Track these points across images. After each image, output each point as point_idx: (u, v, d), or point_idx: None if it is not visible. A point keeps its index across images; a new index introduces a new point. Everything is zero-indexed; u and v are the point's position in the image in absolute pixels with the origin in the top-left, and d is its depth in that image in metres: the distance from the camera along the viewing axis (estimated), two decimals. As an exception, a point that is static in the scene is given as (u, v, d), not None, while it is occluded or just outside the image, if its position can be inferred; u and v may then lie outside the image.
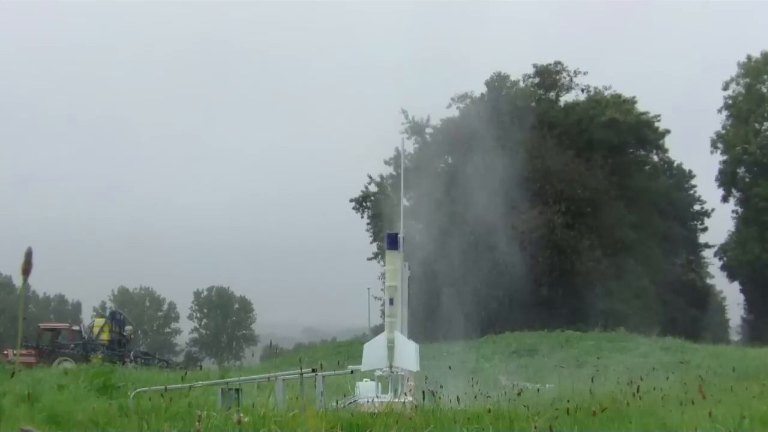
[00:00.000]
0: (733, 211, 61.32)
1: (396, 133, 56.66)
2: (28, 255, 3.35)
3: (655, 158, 59.62)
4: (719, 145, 60.43)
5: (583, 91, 56.95)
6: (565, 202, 47.37)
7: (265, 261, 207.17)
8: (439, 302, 47.92)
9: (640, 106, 55.41)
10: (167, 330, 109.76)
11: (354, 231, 64.55)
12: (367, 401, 10.76)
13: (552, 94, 57.68)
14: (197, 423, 5.64)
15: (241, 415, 6.32)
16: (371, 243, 58.04)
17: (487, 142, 51.46)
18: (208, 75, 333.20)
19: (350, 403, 10.93)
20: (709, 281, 64.05)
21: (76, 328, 40.49)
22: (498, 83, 57.11)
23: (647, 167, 57.52)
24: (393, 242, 12.25)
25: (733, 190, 60.24)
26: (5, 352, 35.53)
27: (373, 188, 58.74)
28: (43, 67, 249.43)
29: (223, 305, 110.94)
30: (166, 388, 11.07)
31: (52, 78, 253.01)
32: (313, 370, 11.88)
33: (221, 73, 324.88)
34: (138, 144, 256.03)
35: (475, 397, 13.13)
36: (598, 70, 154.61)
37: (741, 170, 59.31)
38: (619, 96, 55.23)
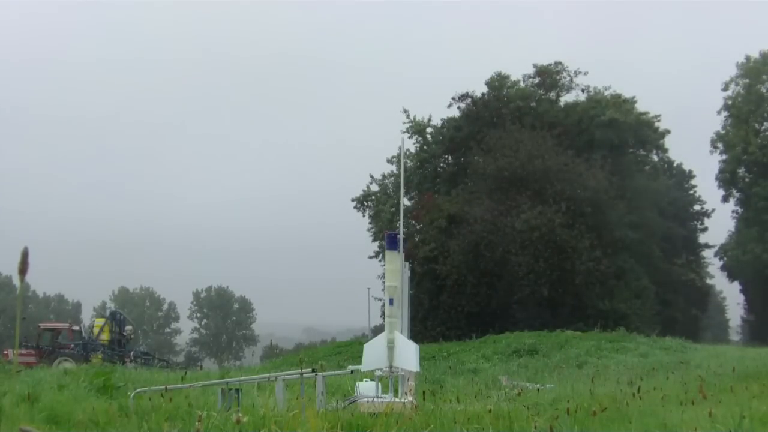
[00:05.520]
0: (733, 212, 61.49)
1: (397, 132, 56.80)
2: (25, 255, 3.36)
3: (655, 158, 59.63)
4: (719, 145, 60.48)
5: (583, 91, 56.91)
6: (565, 202, 47.32)
7: (265, 260, 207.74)
8: (440, 302, 47.96)
9: (640, 106, 55.38)
10: (167, 330, 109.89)
11: (355, 231, 64.63)
12: (367, 401, 10.73)
13: (552, 94, 57.62)
14: (197, 423, 5.64)
15: (241, 415, 6.32)
16: (372, 242, 58.11)
17: (487, 141, 51.54)
18: (208, 75, 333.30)
19: (350, 403, 10.91)
20: (709, 281, 64.11)
21: (76, 328, 40.52)
22: (498, 83, 57.06)
23: (647, 167, 57.50)
24: (393, 242, 12.18)
25: (733, 191, 60.31)
26: (5, 352, 35.56)
27: (374, 188, 58.77)
28: (44, 67, 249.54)
29: (223, 305, 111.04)
30: (166, 388, 11.06)
31: (51, 78, 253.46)
32: (313, 370, 11.86)
33: (220, 73, 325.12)
34: (138, 144, 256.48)
35: (475, 397, 13.12)
36: (598, 70, 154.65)
37: (741, 170, 59.37)
38: (619, 96, 55.14)
